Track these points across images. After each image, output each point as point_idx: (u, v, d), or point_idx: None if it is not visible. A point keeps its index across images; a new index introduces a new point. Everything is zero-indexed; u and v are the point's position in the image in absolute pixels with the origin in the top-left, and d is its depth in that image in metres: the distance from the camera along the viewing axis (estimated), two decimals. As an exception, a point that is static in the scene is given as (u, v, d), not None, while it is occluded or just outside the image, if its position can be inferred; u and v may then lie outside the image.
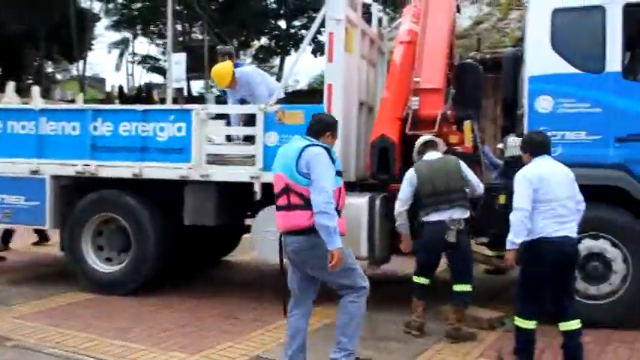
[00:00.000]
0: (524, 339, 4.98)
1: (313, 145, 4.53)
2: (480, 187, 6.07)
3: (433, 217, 5.81)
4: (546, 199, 4.83)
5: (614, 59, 6.13)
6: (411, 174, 5.91)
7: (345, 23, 6.77)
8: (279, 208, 4.59)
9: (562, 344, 4.99)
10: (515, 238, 4.86)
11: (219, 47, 9.25)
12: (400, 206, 5.96)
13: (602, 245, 6.13)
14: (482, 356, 5.43)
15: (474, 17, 14.86)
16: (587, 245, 6.12)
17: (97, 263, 7.63)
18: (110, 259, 7.68)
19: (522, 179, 4.92)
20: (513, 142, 6.69)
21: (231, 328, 6.20)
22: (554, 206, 4.83)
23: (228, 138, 7.91)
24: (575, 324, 4.94)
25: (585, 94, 6.20)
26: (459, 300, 5.89)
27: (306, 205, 4.40)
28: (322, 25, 6.86)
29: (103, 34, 42.62)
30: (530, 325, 4.94)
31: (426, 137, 6.15)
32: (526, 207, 4.82)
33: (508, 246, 4.92)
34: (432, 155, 6.06)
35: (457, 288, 5.91)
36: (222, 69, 7.65)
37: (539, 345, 5.14)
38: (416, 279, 6.07)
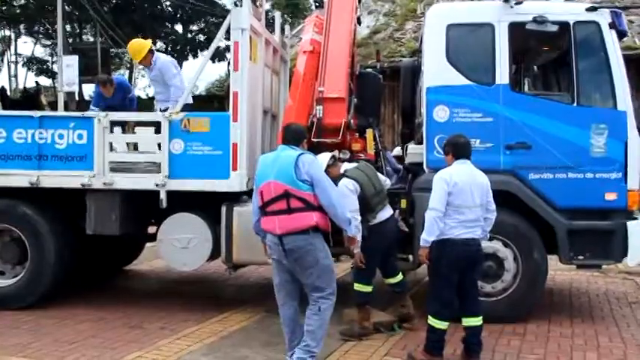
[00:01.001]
0: (437, 338, 5.26)
1: (304, 153, 5.02)
2: (387, 183, 6.52)
3: (384, 215, 6.12)
4: (457, 204, 5.16)
5: (503, 73, 6.58)
6: (348, 181, 5.88)
7: (250, 32, 6.90)
8: (274, 213, 4.93)
9: (463, 338, 5.36)
10: (428, 236, 5.19)
11: (98, 75, 9.27)
12: (357, 217, 5.72)
13: (495, 246, 6.54)
14: (389, 354, 5.67)
15: (371, 27, 15.36)
16: (482, 246, 6.53)
17: (-13, 277, 7.33)
18: (3, 273, 7.38)
19: (440, 181, 5.23)
20: (413, 149, 7.06)
21: (139, 337, 6.15)
22: (463, 211, 5.17)
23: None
24: (477, 320, 5.32)
25: (478, 104, 6.61)
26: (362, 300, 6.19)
27: (308, 207, 4.88)
28: (227, 33, 6.96)
29: (-20, 31, 40.11)
30: (442, 325, 5.24)
31: (327, 154, 6.13)
32: (440, 208, 5.14)
33: (421, 243, 5.27)
34: (347, 165, 6.27)
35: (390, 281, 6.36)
36: (140, 43, 7.80)
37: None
38: (362, 287, 6.14)
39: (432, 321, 5.27)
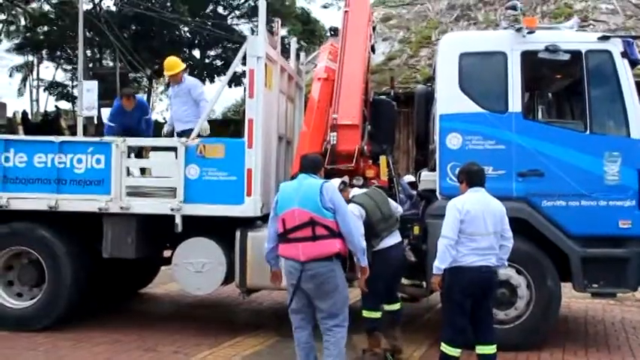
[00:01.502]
0: None
1: (327, 181, 5.24)
2: (399, 210, 6.52)
3: (390, 241, 6.11)
4: (469, 231, 5.17)
5: (516, 101, 6.64)
6: (354, 207, 5.87)
7: (265, 60, 7.03)
8: (297, 240, 5.00)
9: None
10: (440, 264, 5.20)
11: (124, 89, 9.57)
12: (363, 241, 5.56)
13: (508, 273, 6.51)
14: None
15: (386, 53, 15.50)
16: (497, 274, 6.54)
17: (6, 298, 7.43)
18: (21, 295, 7.49)
19: (452, 209, 5.25)
20: (426, 176, 7.10)
21: (152, 360, 6.23)
22: (476, 239, 5.18)
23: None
24: (491, 349, 5.32)
25: (491, 132, 6.67)
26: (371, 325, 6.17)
27: (332, 234, 4.98)
28: (243, 61, 7.09)
29: (4, 57, 40.81)
30: (455, 352, 5.22)
31: (337, 180, 6.19)
32: (452, 236, 5.16)
33: (434, 271, 5.27)
34: (356, 190, 6.33)
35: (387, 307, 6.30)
36: (177, 60, 8.29)
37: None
38: (371, 314, 6.13)
39: (444, 348, 5.27)
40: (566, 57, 6.45)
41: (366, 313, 6.16)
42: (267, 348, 6.70)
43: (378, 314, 6.15)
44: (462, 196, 5.39)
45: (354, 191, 6.30)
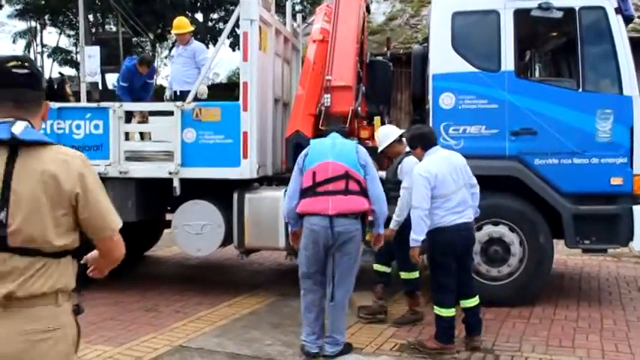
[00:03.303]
0: (446, 325, 5.29)
1: (359, 144, 5.37)
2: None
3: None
4: (442, 194, 5.20)
5: (508, 59, 6.65)
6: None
7: (259, 23, 7.04)
8: (328, 193, 5.05)
9: (463, 319, 5.48)
10: (417, 235, 5.16)
11: (144, 54, 9.74)
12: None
13: (501, 230, 6.64)
14: (394, 336, 5.79)
15: (387, 13, 15.39)
16: (487, 231, 6.64)
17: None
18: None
19: (420, 178, 5.19)
20: None
21: (153, 320, 6.38)
22: (450, 198, 5.23)
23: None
24: (474, 301, 5.43)
25: (483, 91, 6.69)
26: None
27: (362, 192, 5.09)
28: (237, 24, 7.11)
29: (6, 23, 40.65)
30: (449, 312, 5.28)
31: (397, 130, 6.26)
32: (425, 206, 5.14)
33: (412, 244, 5.21)
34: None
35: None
36: (186, 21, 8.68)
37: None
38: (408, 275, 6.12)
39: (438, 310, 5.29)
40: (559, 14, 6.43)
41: (404, 275, 6.12)
42: (265, 307, 6.85)
43: (415, 274, 6.11)
44: (425, 162, 5.34)
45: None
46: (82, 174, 2.32)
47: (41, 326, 2.24)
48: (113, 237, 2.46)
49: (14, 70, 2.32)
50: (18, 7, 35.92)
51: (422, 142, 5.47)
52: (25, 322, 2.21)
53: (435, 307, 5.34)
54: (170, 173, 7.04)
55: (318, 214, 5.05)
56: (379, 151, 6.30)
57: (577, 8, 6.54)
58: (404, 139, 6.10)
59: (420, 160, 5.49)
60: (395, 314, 6.39)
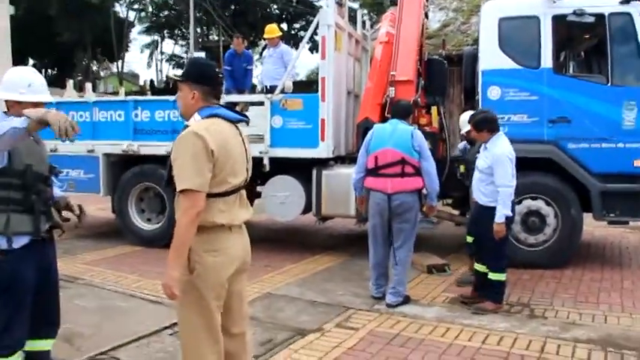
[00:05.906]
0: (503, 289, 5.15)
1: (415, 128, 5.35)
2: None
3: None
4: (514, 173, 4.94)
5: (547, 58, 6.46)
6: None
7: (335, 28, 7.06)
8: (387, 175, 5.12)
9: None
10: (507, 210, 4.81)
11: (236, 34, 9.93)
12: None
13: (538, 204, 6.49)
14: (447, 291, 5.72)
15: (442, 21, 15.05)
16: (527, 204, 6.49)
17: (140, 223, 7.96)
18: (150, 220, 8.00)
19: (506, 160, 4.84)
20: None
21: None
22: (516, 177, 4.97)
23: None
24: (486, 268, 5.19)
25: (525, 85, 6.51)
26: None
27: (417, 173, 5.10)
28: (316, 29, 7.15)
29: (137, 38, 42.51)
30: (504, 277, 5.10)
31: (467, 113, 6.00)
32: (514, 184, 4.87)
33: (501, 219, 4.80)
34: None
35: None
36: (275, 27, 8.63)
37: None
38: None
39: (498, 276, 5.04)
40: (591, 19, 6.25)
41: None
42: (338, 265, 6.91)
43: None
44: (505, 143, 4.96)
45: None
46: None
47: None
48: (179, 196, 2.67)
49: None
50: (146, 25, 37.62)
51: (489, 125, 5.06)
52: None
53: (494, 274, 5.05)
54: (260, 152, 7.15)
55: (381, 191, 5.14)
56: (460, 133, 6.29)
57: (607, 14, 6.31)
58: None
59: (485, 142, 5.10)
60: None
